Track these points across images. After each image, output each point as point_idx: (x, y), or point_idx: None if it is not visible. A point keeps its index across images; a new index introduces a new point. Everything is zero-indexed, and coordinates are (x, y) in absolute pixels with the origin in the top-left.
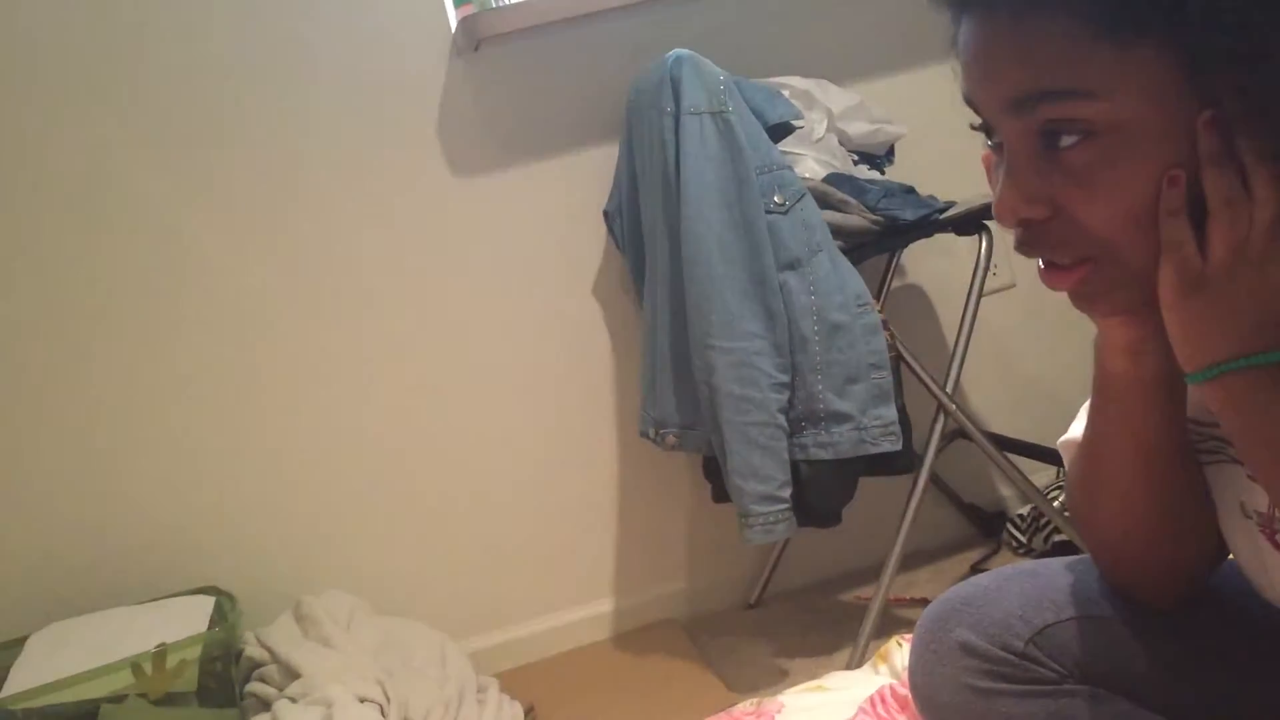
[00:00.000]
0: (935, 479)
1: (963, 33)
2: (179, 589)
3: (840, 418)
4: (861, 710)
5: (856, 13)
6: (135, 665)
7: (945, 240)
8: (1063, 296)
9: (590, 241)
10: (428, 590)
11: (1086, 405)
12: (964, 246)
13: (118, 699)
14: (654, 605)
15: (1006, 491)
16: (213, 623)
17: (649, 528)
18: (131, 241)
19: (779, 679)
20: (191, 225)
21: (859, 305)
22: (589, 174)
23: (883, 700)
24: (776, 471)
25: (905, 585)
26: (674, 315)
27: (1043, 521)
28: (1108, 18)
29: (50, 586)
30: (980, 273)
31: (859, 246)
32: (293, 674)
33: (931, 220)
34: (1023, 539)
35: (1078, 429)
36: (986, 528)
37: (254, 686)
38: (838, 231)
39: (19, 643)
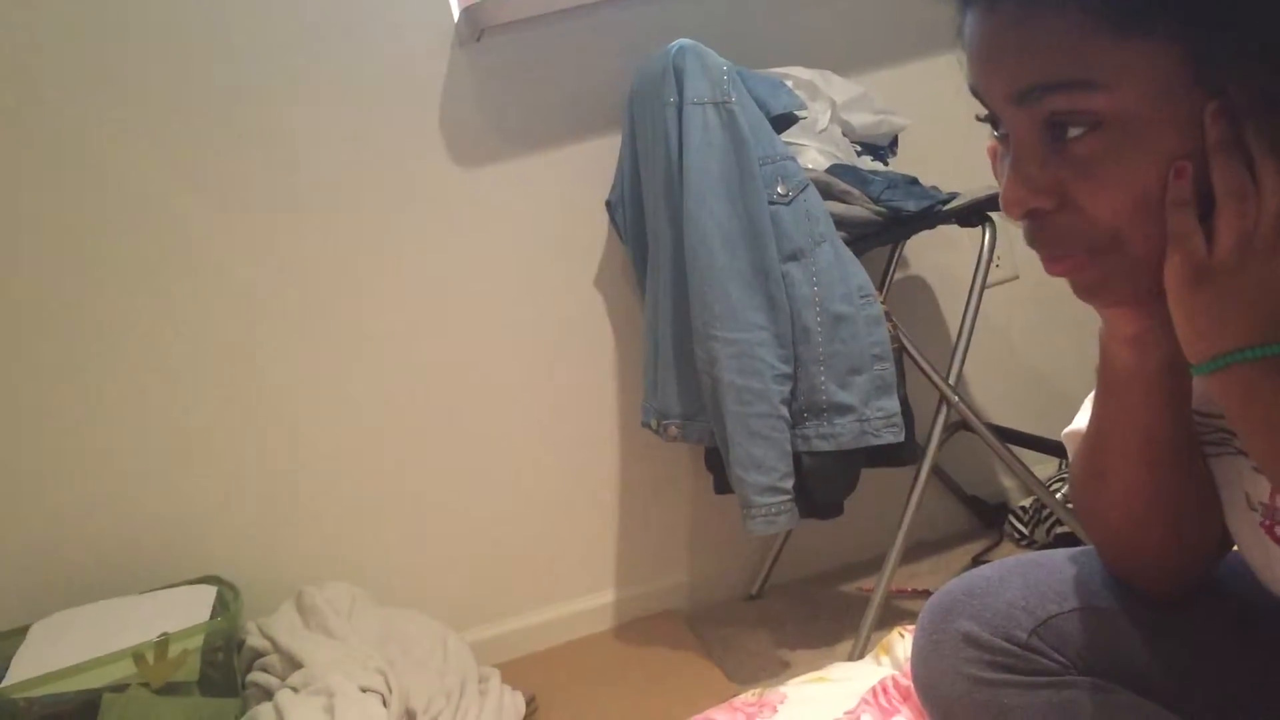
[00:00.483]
0: (937, 471)
1: (968, 24)
2: (181, 579)
3: (842, 409)
4: (864, 701)
5: (860, 3)
6: (137, 655)
7: (948, 232)
8: (1066, 289)
9: (592, 232)
10: (429, 581)
11: (1091, 397)
12: (967, 238)
13: (120, 688)
14: (656, 596)
15: (1009, 483)
16: (215, 612)
17: (651, 519)
18: (132, 231)
19: (780, 670)
20: (191, 217)
21: (862, 296)
22: (591, 164)
23: (885, 691)
24: (779, 463)
25: (907, 577)
26: (676, 306)
27: (1045, 514)
28: (1115, 10)
29: (52, 576)
30: (983, 264)
31: (862, 237)
32: (294, 664)
33: (935, 211)
34: (1025, 531)
35: (1082, 420)
36: (989, 519)
37: (256, 676)
38: (841, 222)
39: (21, 632)
